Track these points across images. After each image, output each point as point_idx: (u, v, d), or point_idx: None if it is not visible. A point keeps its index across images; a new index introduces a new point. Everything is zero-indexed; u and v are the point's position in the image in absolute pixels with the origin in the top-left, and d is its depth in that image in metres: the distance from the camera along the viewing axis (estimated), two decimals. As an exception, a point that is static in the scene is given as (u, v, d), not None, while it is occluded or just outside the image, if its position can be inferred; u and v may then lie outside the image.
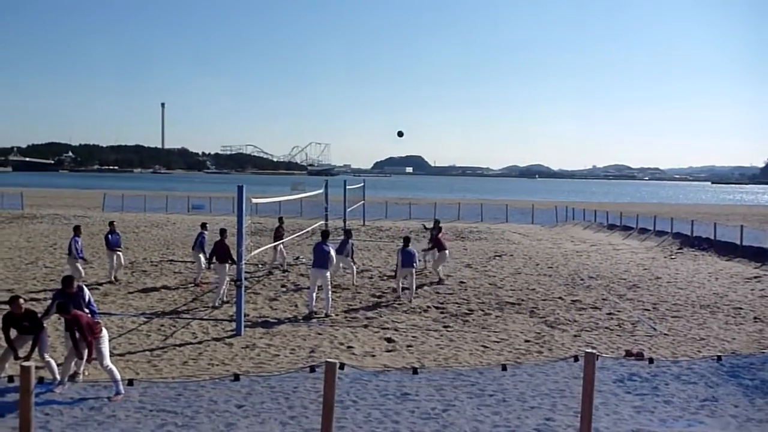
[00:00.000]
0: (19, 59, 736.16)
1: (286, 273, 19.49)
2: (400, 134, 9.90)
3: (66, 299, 9.22)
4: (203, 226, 18.68)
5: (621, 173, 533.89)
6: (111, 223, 18.73)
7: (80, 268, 16.19)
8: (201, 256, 17.64)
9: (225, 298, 15.07)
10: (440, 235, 19.70)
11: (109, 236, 17.80)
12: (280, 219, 21.50)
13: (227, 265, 14.92)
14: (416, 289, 16.50)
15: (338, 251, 17.01)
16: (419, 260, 18.96)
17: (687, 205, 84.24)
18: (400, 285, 16.42)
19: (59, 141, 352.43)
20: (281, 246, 20.07)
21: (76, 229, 16.85)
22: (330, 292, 14.43)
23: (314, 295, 14.25)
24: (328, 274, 14.32)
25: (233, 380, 8.60)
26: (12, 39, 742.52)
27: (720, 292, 17.83)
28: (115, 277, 17.49)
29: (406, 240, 16.91)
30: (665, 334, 12.95)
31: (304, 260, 21.49)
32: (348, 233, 18.58)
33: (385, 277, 19.14)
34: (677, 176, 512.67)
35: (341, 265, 17.63)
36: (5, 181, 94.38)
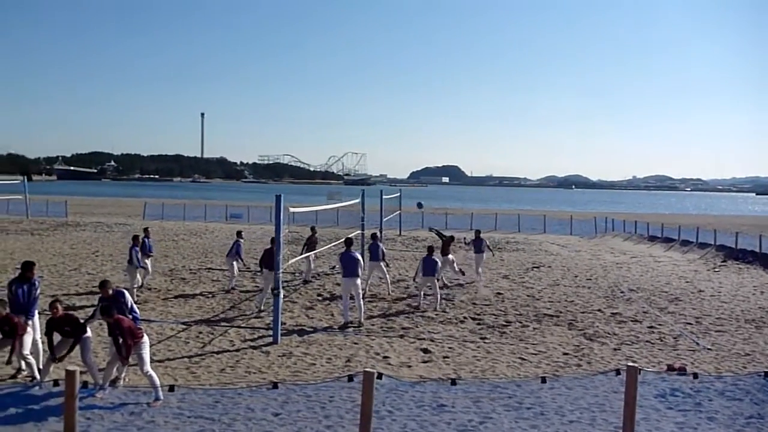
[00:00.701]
0: (62, 70, 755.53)
1: (308, 283, 19.30)
2: (420, 206, 10.07)
3: (110, 303, 9.40)
4: (239, 234, 18.95)
5: (662, 184, 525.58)
6: (146, 230, 19.12)
7: (138, 276, 16.39)
8: (235, 263, 17.88)
9: (262, 307, 15.18)
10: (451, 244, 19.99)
11: (145, 240, 18.10)
12: (313, 228, 21.11)
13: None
14: (442, 300, 16.62)
15: (373, 257, 17.17)
16: (456, 269, 19.10)
17: (731, 217, 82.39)
18: (422, 293, 16.58)
19: (102, 150, 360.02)
20: (312, 256, 20.03)
21: (135, 239, 17.18)
22: (362, 300, 14.49)
23: (348, 304, 14.28)
24: (359, 281, 14.39)
25: (271, 388, 8.62)
26: (55, 52, 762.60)
27: (766, 306, 17.36)
28: (142, 284, 17.72)
29: (430, 249, 17.08)
30: (708, 349, 12.65)
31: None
32: (374, 236, 18.52)
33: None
34: (720, 187, 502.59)
35: (376, 274, 17.69)
36: (50, 190, 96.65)
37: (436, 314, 15.36)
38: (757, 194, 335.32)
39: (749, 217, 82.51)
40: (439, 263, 16.99)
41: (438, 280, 17.93)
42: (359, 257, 14.57)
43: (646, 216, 62.38)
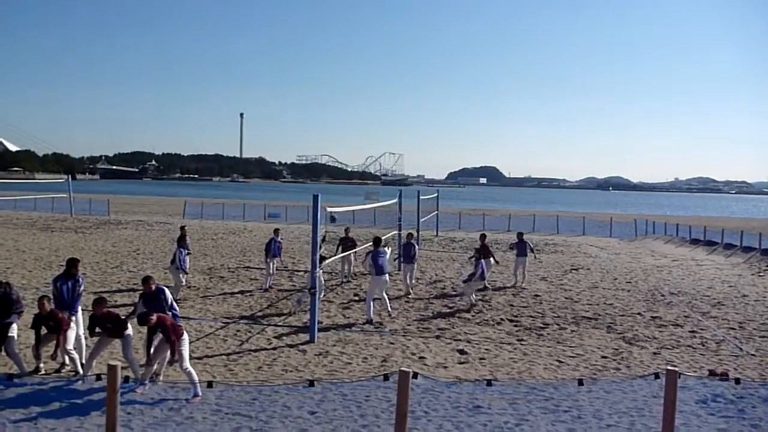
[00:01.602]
0: (105, 71, 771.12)
1: (349, 282, 19.60)
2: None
3: (148, 305, 9.59)
4: (276, 232, 19.08)
5: (705, 186, 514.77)
6: (183, 228, 19.39)
7: (182, 278, 16.68)
8: (272, 262, 18.03)
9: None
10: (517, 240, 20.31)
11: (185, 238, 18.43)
12: (347, 229, 20.98)
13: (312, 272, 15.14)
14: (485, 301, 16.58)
15: (408, 259, 17.27)
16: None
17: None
18: (472, 297, 16.61)
19: (143, 150, 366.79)
20: (352, 255, 20.15)
21: (180, 240, 17.43)
22: (387, 296, 15.08)
23: (372, 303, 14.47)
24: (387, 278, 14.86)
25: (307, 386, 8.72)
26: (99, 50, 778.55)
27: (812, 312, 16.89)
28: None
29: (483, 250, 17.75)
30: (752, 355, 12.35)
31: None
32: (410, 236, 18.83)
33: (459, 288, 19.03)
34: (766, 190, 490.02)
35: (409, 274, 17.83)
36: (93, 189, 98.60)
37: (473, 315, 15.30)
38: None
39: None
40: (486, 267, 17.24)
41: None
42: (387, 255, 15.12)
43: (688, 219, 61.16)
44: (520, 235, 20.90)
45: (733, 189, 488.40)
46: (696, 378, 10.34)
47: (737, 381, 9.25)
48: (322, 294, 16.25)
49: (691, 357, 12.10)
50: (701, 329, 14.50)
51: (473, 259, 17.44)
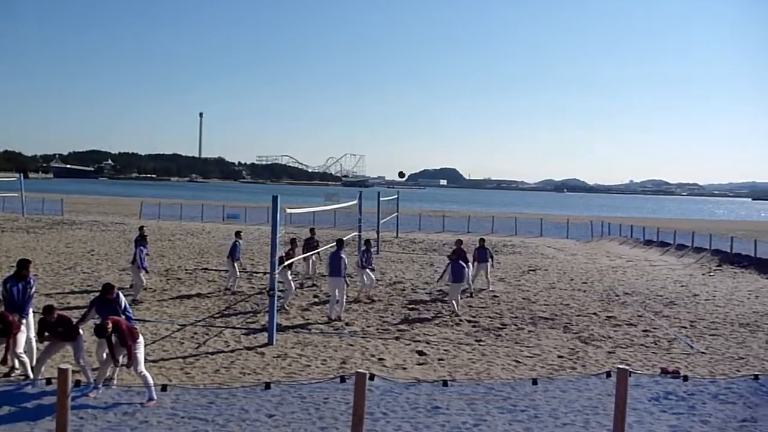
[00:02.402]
0: (60, 68, 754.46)
1: (313, 283, 19.41)
2: (402, 174, 10.29)
3: (101, 310, 9.41)
4: (237, 234, 18.85)
5: (659, 188, 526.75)
6: (141, 228, 19.11)
7: (143, 278, 16.41)
8: (235, 265, 17.84)
9: (286, 306, 15.59)
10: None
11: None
12: (312, 230, 21.10)
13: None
14: (436, 301, 16.69)
15: (367, 263, 17.18)
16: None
17: (726, 222, 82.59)
18: (454, 302, 15.96)
19: (99, 149, 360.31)
20: (314, 257, 20.05)
21: (143, 239, 17.25)
22: (344, 299, 15.08)
23: (335, 302, 14.73)
24: (342, 281, 14.88)
25: (264, 389, 8.63)
26: (53, 47, 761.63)
27: (760, 311, 17.40)
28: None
29: (459, 252, 17.76)
30: (703, 353, 12.68)
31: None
32: (368, 243, 18.60)
33: (419, 290, 19.10)
34: (717, 192, 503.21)
35: (368, 278, 17.54)
36: (47, 188, 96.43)
37: (432, 317, 15.38)
38: (753, 199, 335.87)
39: (745, 222, 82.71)
40: (467, 269, 17.11)
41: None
42: (345, 258, 15.11)
43: (642, 220, 62.52)
44: (481, 240, 20.62)
45: (685, 191, 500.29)
46: (649, 376, 10.56)
47: (685, 378, 9.46)
48: (291, 298, 16.16)
49: (644, 355, 12.35)
50: (654, 328, 14.81)
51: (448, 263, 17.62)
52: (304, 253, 19.20)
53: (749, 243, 29.32)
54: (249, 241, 31.61)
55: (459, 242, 19.45)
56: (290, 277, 15.99)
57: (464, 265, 16.51)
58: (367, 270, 17.33)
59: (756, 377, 10.26)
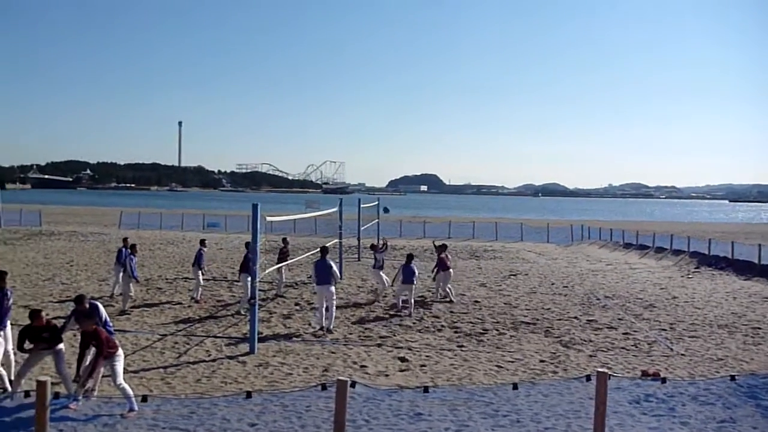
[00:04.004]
0: (38, 77, 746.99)
1: (280, 297, 18.56)
2: (386, 210, 10.27)
3: (81, 322, 9.31)
4: (202, 243, 18.90)
5: (637, 192, 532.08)
6: (125, 240, 18.81)
7: (132, 287, 16.25)
8: (200, 273, 17.87)
9: (243, 312, 15.56)
10: (442, 255, 19.14)
11: (122, 251, 17.86)
12: (284, 240, 20.40)
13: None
14: (417, 306, 16.84)
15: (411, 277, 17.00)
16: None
17: (704, 224, 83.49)
18: (400, 300, 16.96)
19: (77, 159, 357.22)
20: (284, 268, 19.40)
21: (132, 248, 17.03)
22: (334, 308, 14.67)
23: (323, 311, 14.38)
24: (332, 289, 14.55)
25: (246, 398, 8.60)
26: (30, 56, 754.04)
27: (738, 312, 17.62)
28: (119, 294, 17.53)
29: (409, 257, 17.54)
30: (682, 355, 12.80)
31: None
32: (382, 246, 19.15)
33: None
34: (694, 194, 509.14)
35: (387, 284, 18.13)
36: (24, 199, 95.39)
37: (414, 323, 15.39)
38: (730, 201, 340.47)
39: (722, 224, 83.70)
40: (417, 272, 17.23)
41: (443, 293, 18.70)
42: (333, 265, 14.71)
43: (621, 223, 63.07)
44: (444, 246, 19.97)
45: (663, 194, 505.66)
46: (629, 379, 10.65)
47: (664, 380, 9.56)
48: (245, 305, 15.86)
49: (625, 358, 12.45)
50: (634, 331, 14.94)
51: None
52: (278, 263, 18.85)
53: (726, 245, 29.70)
54: (229, 250, 31.48)
55: (441, 248, 19.57)
56: (247, 283, 15.61)
57: (414, 270, 16.93)
58: (381, 272, 18.20)
59: (733, 378, 10.40)
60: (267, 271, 16.60)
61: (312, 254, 23.03)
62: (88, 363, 8.78)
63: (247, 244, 17.06)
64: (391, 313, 16.43)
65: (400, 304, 16.84)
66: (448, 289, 18.78)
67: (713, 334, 14.75)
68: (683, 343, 13.89)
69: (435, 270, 19.22)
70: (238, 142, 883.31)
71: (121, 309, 15.77)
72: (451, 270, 19.08)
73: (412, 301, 16.77)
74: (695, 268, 27.62)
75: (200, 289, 17.85)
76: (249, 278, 15.37)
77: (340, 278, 18.26)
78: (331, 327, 14.29)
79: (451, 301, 18.31)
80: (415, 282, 16.90)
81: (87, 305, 9.64)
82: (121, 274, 16.91)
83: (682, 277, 25.59)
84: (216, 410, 8.64)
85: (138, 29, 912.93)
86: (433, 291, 19.17)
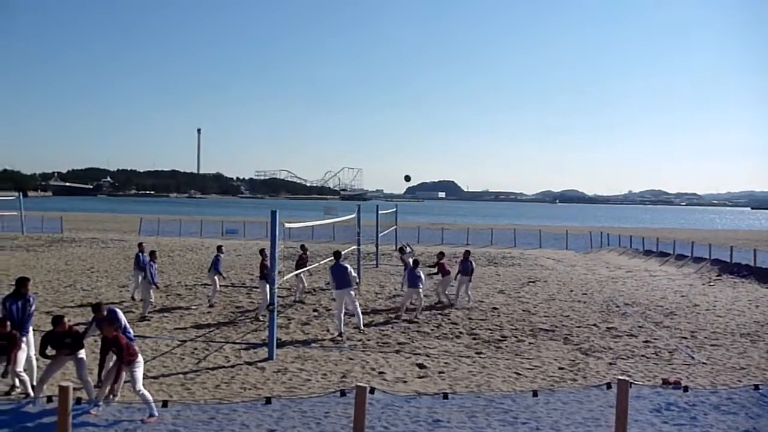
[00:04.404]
0: (58, 84, 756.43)
1: (300, 302, 18.63)
2: (407, 178, 10.20)
3: (100, 325, 9.40)
4: (219, 249, 19.28)
5: (657, 198, 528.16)
6: (140, 245, 19.12)
7: (152, 294, 16.46)
8: (216, 278, 18.20)
9: (260, 318, 15.87)
10: (443, 261, 19.39)
11: (139, 255, 18.12)
12: (303, 246, 20.34)
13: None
14: (436, 313, 16.53)
15: (417, 282, 17.01)
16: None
17: (726, 231, 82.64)
18: (405, 305, 17.16)
19: (98, 166, 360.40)
20: (303, 275, 19.36)
21: (152, 254, 17.23)
22: (359, 308, 15.01)
23: (342, 316, 14.45)
24: (352, 292, 14.73)
25: (265, 404, 8.63)
26: (50, 64, 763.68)
27: (761, 320, 17.39)
28: (137, 298, 17.96)
29: (415, 263, 17.65)
30: (704, 363, 12.66)
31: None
32: (416, 263, 17.83)
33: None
34: (716, 201, 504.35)
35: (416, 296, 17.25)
36: (46, 206, 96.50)
37: (432, 329, 15.37)
38: (752, 208, 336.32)
39: (744, 232, 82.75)
40: (423, 276, 17.43)
41: (443, 297, 18.87)
42: (349, 267, 14.80)
43: (641, 230, 62.54)
44: (466, 253, 19.81)
45: (684, 201, 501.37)
46: (650, 387, 10.54)
47: (686, 389, 9.46)
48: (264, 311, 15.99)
49: (645, 366, 12.33)
50: (655, 339, 14.80)
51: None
52: (296, 270, 18.76)
53: (748, 253, 29.35)
54: (248, 256, 31.62)
55: (441, 255, 19.86)
56: (266, 289, 15.80)
57: (419, 275, 17.10)
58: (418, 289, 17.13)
59: (757, 387, 10.26)
60: (285, 278, 16.64)
61: (330, 260, 23.16)
62: (109, 369, 8.85)
63: (261, 251, 17.56)
64: (395, 316, 16.78)
65: (404, 309, 17.01)
66: (468, 294, 19.03)
67: (735, 343, 14.57)
68: (705, 351, 13.73)
69: (434, 272, 19.87)
70: (256, 149, 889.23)
71: (141, 315, 15.91)
72: (451, 275, 19.21)
73: (420, 305, 17.12)
74: (717, 276, 27.31)
75: (217, 294, 18.03)
76: (266, 284, 15.72)
77: (358, 281, 18.37)
78: (362, 327, 14.70)
79: (451, 305, 18.53)
80: (421, 286, 17.03)
81: (105, 312, 9.73)
82: (140, 280, 17.14)
83: (703, 284, 25.31)
84: (235, 416, 8.67)
85: (158, 36, 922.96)
86: (452, 297, 19.10)
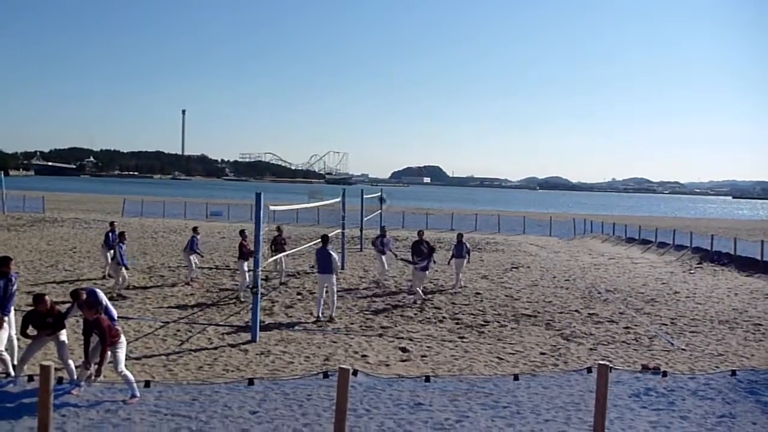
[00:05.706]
0: (42, 65, 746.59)
1: (284, 285, 18.65)
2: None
3: (81, 307, 9.31)
4: (194, 230, 19.85)
5: (641, 186, 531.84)
6: (112, 223, 19.60)
7: (125, 274, 16.45)
8: (192, 257, 18.67)
9: (242, 298, 16.04)
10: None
11: (109, 234, 18.57)
12: (278, 228, 19.77)
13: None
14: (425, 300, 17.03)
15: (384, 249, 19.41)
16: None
17: (707, 220, 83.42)
18: (417, 289, 17.45)
19: (81, 146, 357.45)
20: (282, 257, 19.08)
21: (121, 235, 17.25)
22: (336, 296, 14.84)
23: (321, 300, 14.53)
24: (333, 278, 14.70)
25: (248, 385, 8.65)
26: (35, 45, 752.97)
27: (739, 308, 17.63)
28: (109, 274, 18.09)
29: (431, 250, 18.04)
30: (683, 350, 12.82)
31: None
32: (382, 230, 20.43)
33: (402, 287, 19.13)
34: (698, 190, 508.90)
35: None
36: (28, 185, 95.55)
37: (415, 314, 15.44)
38: (733, 197, 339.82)
39: (725, 220, 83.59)
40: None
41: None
42: (334, 254, 14.76)
43: (624, 218, 62.93)
44: (459, 236, 20.48)
45: (666, 189, 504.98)
46: (630, 372, 10.67)
47: (664, 374, 9.58)
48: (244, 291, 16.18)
49: (626, 352, 12.48)
50: (635, 325, 14.96)
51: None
52: (271, 252, 18.54)
53: (729, 241, 29.66)
54: (232, 239, 31.51)
55: (420, 233, 19.67)
56: (246, 269, 16.22)
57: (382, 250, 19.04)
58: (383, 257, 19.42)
59: (734, 373, 10.40)
60: (267, 262, 16.62)
61: (314, 244, 23.12)
62: (92, 349, 8.81)
63: (241, 232, 17.82)
64: (402, 304, 16.68)
65: (418, 292, 17.25)
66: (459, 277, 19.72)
67: (714, 330, 14.77)
68: (684, 338, 13.91)
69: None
70: (241, 131, 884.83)
71: (110, 293, 15.66)
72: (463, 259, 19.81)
73: (420, 289, 17.42)
74: (697, 264, 27.60)
75: (195, 271, 18.71)
76: (245, 265, 16.01)
77: (342, 268, 18.45)
78: (333, 315, 14.43)
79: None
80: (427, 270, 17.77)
81: (84, 295, 9.64)
82: (110, 259, 17.48)
83: (684, 272, 25.58)
84: (217, 397, 8.68)
85: (143, 18, 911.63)
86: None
